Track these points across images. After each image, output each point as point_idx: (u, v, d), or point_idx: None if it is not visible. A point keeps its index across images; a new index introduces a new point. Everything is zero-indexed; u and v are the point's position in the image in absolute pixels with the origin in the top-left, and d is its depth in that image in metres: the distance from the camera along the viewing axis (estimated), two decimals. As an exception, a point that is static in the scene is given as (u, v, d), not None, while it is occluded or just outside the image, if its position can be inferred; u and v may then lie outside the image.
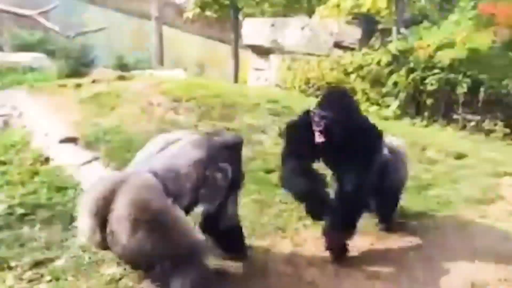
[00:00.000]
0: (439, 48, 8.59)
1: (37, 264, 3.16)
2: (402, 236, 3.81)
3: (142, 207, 2.58)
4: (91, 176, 4.35)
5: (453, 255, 3.52)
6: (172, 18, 17.39)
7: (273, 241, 3.63)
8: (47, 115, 5.55)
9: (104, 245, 2.68)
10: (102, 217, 2.60)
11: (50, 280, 3.01)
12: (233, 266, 3.22)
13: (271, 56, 11.35)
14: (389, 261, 3.44)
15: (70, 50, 7.96)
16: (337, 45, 10.63)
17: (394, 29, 9.88)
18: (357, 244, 3.57)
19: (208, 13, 14.57)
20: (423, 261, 3.44)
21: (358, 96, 8.93)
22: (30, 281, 3.00)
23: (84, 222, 2.67)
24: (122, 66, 10.06)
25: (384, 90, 8.93)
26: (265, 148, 5.30)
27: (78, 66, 7.70)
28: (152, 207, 2.60)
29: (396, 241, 3.73)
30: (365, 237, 3.72)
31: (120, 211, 2.58)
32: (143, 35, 17.04)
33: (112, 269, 3.10)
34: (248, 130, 5.51)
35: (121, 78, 6.67)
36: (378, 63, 8.97)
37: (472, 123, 8.24)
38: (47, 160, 4.68)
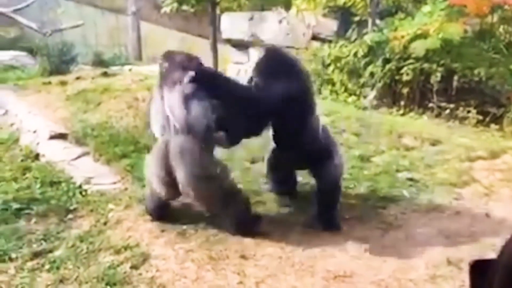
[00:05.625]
0: (413, 39, 8.78)
1: (36, 255, 3.30)
2: (381, 218, 4.04)
3: None
4: (81, 170, 4.49)
5: (429, 234, 3.76)
6: (149, 12, 17.35)
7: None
8: (34, 112, 5.62)
9: None
10: None
11: (51, 269, 3.14)
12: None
13: (250, 50, 11.49)
14: (371, 239, 3.66)
15: (52, 47, 7.95)
16: (315, 37, 10.81)
17: (369, 21, 10.03)
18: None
19: (185, 7, 14.56)
20: (404, 239, 3.68)
21: (337, 87, 9.13)
22: (31, 270, 3.13)
23: None
24: (101, 63, 10.06)
25: (361, 80, 9.12)
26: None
27: (60, 63, 7.71)
28: None
29: (374, 223, 3.96)
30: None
31: None
32: (118, 30, 16.96)
33: (110, 257, 3.25)
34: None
35: (105, 74, 6.73)
36: (355, 54, 9.14)
37: (447, 111, 8.45)
38: (37, 156, 4.78)
